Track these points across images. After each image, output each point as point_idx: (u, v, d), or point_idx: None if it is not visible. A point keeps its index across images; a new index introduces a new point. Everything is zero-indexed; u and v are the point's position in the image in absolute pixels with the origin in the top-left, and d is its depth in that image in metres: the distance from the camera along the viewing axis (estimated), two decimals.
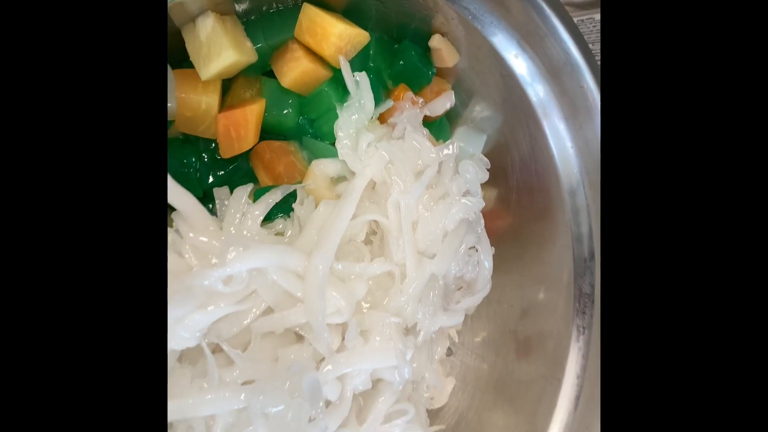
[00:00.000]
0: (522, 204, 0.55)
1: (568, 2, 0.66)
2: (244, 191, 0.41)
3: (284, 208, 0.43)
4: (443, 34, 0.49)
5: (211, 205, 0.44)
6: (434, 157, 0.44)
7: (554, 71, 0.45)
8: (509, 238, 0.56)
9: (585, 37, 0.45)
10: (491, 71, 0.50)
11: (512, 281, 0.56)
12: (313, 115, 0.46)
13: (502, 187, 0.55)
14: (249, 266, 0.36)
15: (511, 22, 0.45)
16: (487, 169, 0.50)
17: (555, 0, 0.43)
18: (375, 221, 0.44)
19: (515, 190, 0.56)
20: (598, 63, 0.44)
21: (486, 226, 0.52)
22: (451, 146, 0.46)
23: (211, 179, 0.44)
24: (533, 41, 0.45)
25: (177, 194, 0.38)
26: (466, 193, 0.46)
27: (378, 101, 0.47)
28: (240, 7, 0.43)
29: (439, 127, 0.53)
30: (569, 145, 0.49)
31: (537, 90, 0.46)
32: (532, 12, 0.43)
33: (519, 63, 0.46)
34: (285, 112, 0.45)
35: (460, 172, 0.47)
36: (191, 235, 0.38)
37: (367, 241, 0.44)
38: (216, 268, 0.36)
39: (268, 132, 0.46)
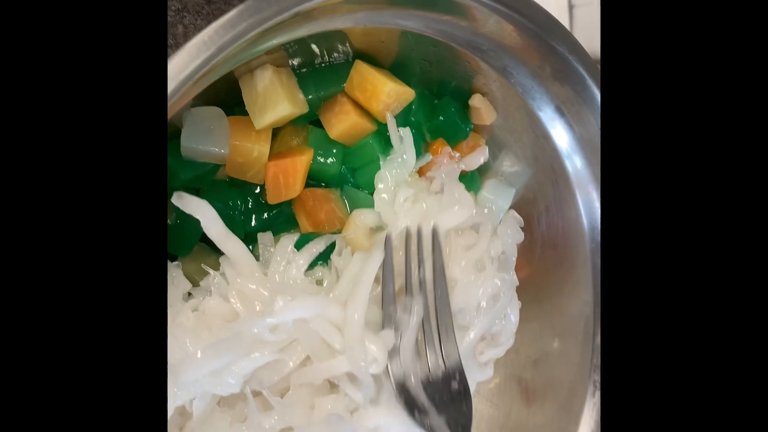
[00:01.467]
0: (545, 257, 0.57)
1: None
2: (290, 240, 0.42)
3: (323, 256, 0.44)
4: (483, 94, 0.51)
5: (251, 246, 0.45)
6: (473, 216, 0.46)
7: (591, 141, 0.47)
8: (530, 287, 0.57)
9: None
10: (526, 130, 0.51)
11: (530, 330, 0.57)
12: (356, 164, 0.48)
13: (527, 239, 0.56)
14: (295, 316, 0.37)
15: (553, 89, 0.47)
16: (521, 227, 0.52)
17: (596, 71, 0.45)
18: None
19: (539, 244, 0.57)
20: None
21: None
22: (489, 208, 0.47)
23: (254, 222, 0.45)
24: (573, 109, 0.47)
25: (228, 241, 0.40)
26: (503, 257, 0.48)
27: (418, 155, 0.48)
28: (294, 61, 0.44)
29: (470, 180, 0.55)
30: (598, 207, 0.51)
31: (574, 160, 0.48)
32: (574, 81, 0.45)
33: (557, 128, 0.48)
34: (329, 161, 0.47)
35: (498, 234, 0.48)
36: (239, 281, 0.39)
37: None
38: (264, 316, 0.37)
39: (310, 178, 0.47)
